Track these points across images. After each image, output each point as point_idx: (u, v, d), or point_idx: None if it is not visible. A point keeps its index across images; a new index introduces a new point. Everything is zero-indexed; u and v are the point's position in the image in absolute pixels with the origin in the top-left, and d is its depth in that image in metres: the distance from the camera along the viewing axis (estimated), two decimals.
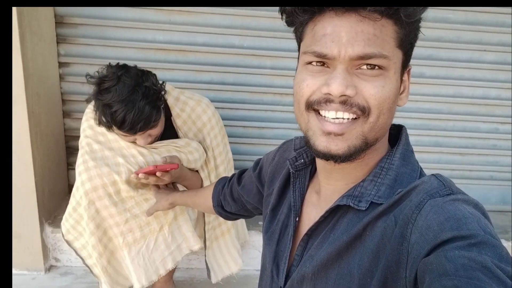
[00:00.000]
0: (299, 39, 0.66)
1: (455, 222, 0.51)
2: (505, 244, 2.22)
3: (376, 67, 0.58)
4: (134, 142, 1.53)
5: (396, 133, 0.71)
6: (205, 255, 1.78)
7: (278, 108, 2.27)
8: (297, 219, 0.76)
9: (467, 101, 2.34)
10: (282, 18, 0.66)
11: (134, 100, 1.38)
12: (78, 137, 2.19)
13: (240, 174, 1.09)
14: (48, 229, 2.03)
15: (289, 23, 0.66)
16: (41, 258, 2.01)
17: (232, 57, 2.17)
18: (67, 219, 1.61)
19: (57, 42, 2.07)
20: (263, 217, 0.90)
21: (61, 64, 2.11)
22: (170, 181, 1.52)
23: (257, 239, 2.09)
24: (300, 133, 0.71)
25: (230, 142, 1.85)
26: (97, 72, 1.45)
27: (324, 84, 0.59)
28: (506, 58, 2.27)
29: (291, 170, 0.78)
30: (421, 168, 0.67)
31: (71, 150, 2.26)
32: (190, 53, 2.15)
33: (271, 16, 2.09)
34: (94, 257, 1.54)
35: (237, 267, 1.83)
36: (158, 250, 1.57)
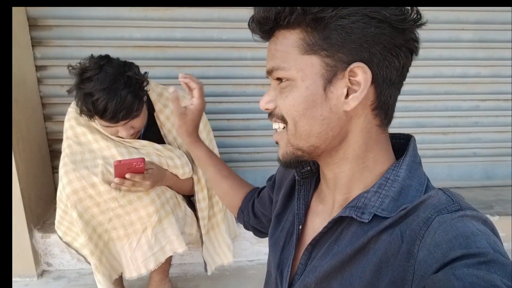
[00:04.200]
0: None
1: (464, 240, 0.50)
2: (491, 219, 2.28)
3: (284, 79, 0.62)
4: (118, 136, 1.52)
5: (406, 143, 0.70)
6: (202, 251, 1.78)
7: (260, 99, 2.25)
8: (300, 227, 0.75)
9: (447, 80, 2.36)
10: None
11: (116, 89, 1.37)
12: (61, 140, 2.17)
13: (263, 187, 1.05)
14: (38, 234, 2.01)
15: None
16: (33, 264, 2.00)
17: (212, 50, 2.16)
18: (61, 222, 1.60)
19: (32, 46, 2.03)
20: (269, 220, 0.90)
21: (38, 68, 2.08)
22: (151, 185, 1.50)
23: (248, 231, 2.10)
24: None
25: (215, 136, 1.84)
26: (79, 63, 1.44)
27: None
28: (483, 36, 2.30)
29: (296, 178, 0.78)
30: (428, 180, 0.66)
31: (55, 154, 2.24)
32: (169, 48, 2.13)
33: (249, 7, 2.08)
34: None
35: (227, 261, 1.85)
36: (141, 250, 1.56)
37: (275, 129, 0.69)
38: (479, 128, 2.50)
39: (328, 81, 0.60)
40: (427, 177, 0.66)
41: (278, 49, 0.62)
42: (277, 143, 0.69)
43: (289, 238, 0.78)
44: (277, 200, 0.87)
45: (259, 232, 1.08)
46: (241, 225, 1.14)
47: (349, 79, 0.59)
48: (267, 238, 0.89)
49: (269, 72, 0.64)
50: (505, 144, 2.54)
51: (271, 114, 0.67)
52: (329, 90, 0.60)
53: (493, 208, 2.33)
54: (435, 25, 2.21)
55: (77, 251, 1.63)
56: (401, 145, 0.70)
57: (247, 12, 2.29)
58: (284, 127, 0.66)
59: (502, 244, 0.52)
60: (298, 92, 0.61)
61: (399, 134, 0.71)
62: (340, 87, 0.60)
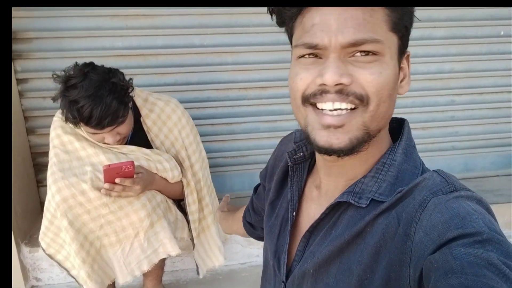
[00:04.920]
0: (290, 34, 0.64)
1: (459, 220, 0.50)
2: None
3: (370, 53, 0.56)
4: (105, 143, 1.52)
5: (398, 127, 0.69)
6: (193, 254, 1.79)
7: (244, 102, 2.29)
8: (294, 213, 0.74)
9: (423, 77, 2.44)
10: (272, 19, 0.64)
11: (101, 95, 1.37)
12: (44, 153, 2.16)
13: (258, 184, 1.04)
14: (25, 249, 1.99)
15: (280, 23, 0.64)
16: (21, 280, 1.97)
17: (194, 57, 2.18)
18: (45, 234, 1.59)
19: (13, 59, 2.02)
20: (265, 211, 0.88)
21: (19, 81, 2.06)
22: (141, 190, 1.51)
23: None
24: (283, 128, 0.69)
25: (201, 141, 1.86)
26: (64, 71, 1.44)
27: (318, 75, 0.57)
28: (455, 33, 2.38)
29: (289, 164, 0.75)
30: (423, 164, 0.66)
31: (39, 167, 2.22)
32: (151, 56, 2.15)
33: (228, 13, 2.12)
34: (77, 265, 1.52)
35: (218, 263, 1.86)
36: (133, 254, 1.57)
37: (333, 111, 0.57)
38: (455, 122, 2.58)
39: (399, 63, 0.61)
40: (422, 160, 0.67)
41: (368, 19, 0.55)
42: (334, 127, 0.58)
43: (284, 225, 0.77)
44: (269, 187, 0.86)
45: (260, 219, 1.05)
46: None
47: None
48: (258, 241, 0.89)
49: (354, 44, 0.55)
50: (482, 136, 2.63)
51: (340, 92, 0.56)
52: (397, 72, 0.61)
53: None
54: None
55: (59, 264, 1.61)
56: (394, 129, 0.69)
57: (226, 18, 2.33)
58: (352, 108, 0.57)
59: (497, 222, 0.53)
60: (389, 70, 0.57)
61: (392, 118, 0.70)
62: (400, 71, 0.62)
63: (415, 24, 2.27)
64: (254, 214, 1.04)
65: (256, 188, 1.04)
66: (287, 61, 2.21)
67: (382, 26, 0.56)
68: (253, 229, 1.07)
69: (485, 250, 0.46)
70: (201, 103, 2.26)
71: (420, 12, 2.29)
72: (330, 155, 0.60)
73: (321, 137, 0.59)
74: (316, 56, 0.58)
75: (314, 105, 0.59)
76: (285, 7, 0.60)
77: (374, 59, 0.56)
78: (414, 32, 2.26)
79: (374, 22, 0.55)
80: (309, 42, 0.57)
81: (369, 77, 0.56)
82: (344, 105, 0.57)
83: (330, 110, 0.57)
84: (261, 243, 2.18)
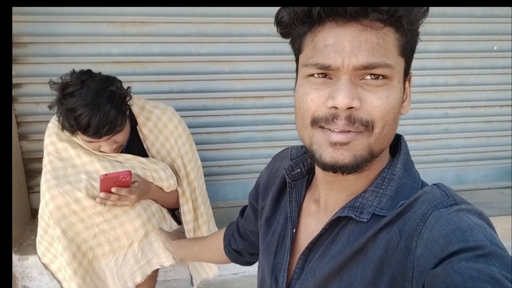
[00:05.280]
0: (298, 50, 0.64)
1: (461, 234, 0.50)
2: None
3: (380, 77, 0.57)
4: (101, 151, 1.50)
5: (395, 142, 0.70)
6: (187, 265, 1.77)
7: (240, 111, 2.28)
8: (294, 230, 0.73)
9: (417, 89, 2.46)
10: (277, 29, 0.63)
11: (99, 104, 1.35)
12: (36, 159, 2.13)
13: (244, 207, 1.04)
14: (15, 257, 1.94)
15: (284, 35, 0.64)
16: None
17: (190, 65, 2.17)
18: (40, 242, 1.56)
19: None
20: (258, 228, 0.87)
21: (13, 86, 2.03)
22: (137, 199, 1.49)
23: None
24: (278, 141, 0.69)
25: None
26: (61, 78, 1.42)
27: (329, 97, 0.57)
28: (450, 46, 2.41)
29: (287, 180, 0.75)
30: (421, 179, 0.67)
31: (30, 173, 2.18)
32: (147, 64, 2.14)
33: (226, 22, 2.11)
34: (68, 276, 1.48)
35: (212, 274, 1.84)
36: (127, 264, 1.54)
37: (340, 131, 0.58)
38: (449, 135, 2.60)
39: (404, 85, 0.62)
40: (420, 176, 0.68)
41: (381, 44, 0.56)
42: (340, 144, 0.59)
43: (281, 242, 0.76)
44: (264, 205, 0.85)
45: (253, 255, 1.05)
46: None
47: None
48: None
49: (367, 67, 0.56)
50: (474, 149, 2.66)
51: (348, 118, 0.57)
52: (402, 94, 0.62)
53: None
54: None
55: (53, 274, 1.58)
56: (391, 144, 0.70)
57: (224, 27, 2.33)
58: (358, 132, 0.58)
59: (498, 236, 0.53)
60: (396, 94, 0.59)
61: None
62: (404, 92, 0.63)
63: None
64: (241, 240, 1.02)
65: (242, 212, 1.03)
66: (284, 71, 2.24)
67: (393, 51, 0.58)
68: (240, 256, 1.06)
69: (487, 264, 0.46)
70: (196, 112, 2.24)
71: None
72: (335, 172, 0.61)
73: (328, 153, 0.60)
74: (325, 76, 0.59)
75: (322, 127, 0.60)
76: (295, 24, 0.60)
77: (384, 83, 0.57)
78: None
79: (386, 47, 0.57)
80: (322, 62, 0.57)
81: (377, 102, 0.57)
82: (351, 129, 0.58)
83: (338, 131, 0.58)
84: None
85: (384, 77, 0.57)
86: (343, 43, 0.56)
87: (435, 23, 2.34)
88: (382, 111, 0.57)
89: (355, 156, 0.59)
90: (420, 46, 2.41)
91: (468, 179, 2.73)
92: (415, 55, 2.37)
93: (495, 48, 2.46)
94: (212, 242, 1.15)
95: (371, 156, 0.60)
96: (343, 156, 0.59)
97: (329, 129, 0.59)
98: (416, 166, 2.58)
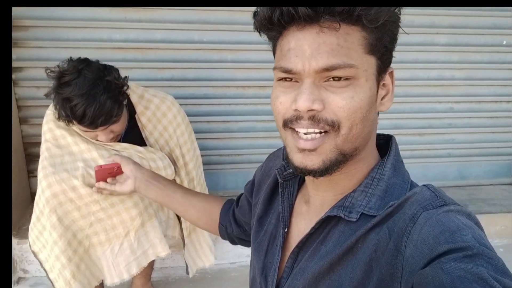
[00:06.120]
0: (273, 53, 0.66)
1: (450, 235, 0.51)
2: None
3: (344, 78, 0.57)
4: (98, 140, 1.50)
5: (385, 143, 0.70)
6: (183, 253, 1.77)
7: (241, 101, 2.27)
8: (285, 230, 0.74)
9: (422, 83, 2.43)
10: (260, 35, 0.64)
11: (95, 94, 1.33)
12: (37, 144, 2.12)
13: (241, 195, 1.03)
14: (14, 240, 1.96)
15: (268, 38, 0.65)
16: None
17: (192, 53, 2.15)
18: (32, 229, 1.56)
19: None
20: (251, 225, 0.87)
21: (13, 69, 2.02)
22: (133, 189, 1.47)
23: None
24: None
25: (196, 138, 1.84)
26: (58, 66, 1.40)
27: (293, 100, 0.59)
28: (457, 40, 2.37)
29: (279, 180, 0.75)
30: (410, 179, 0.67)
31: (31, 157, 2.19)
32: (149, 50, 2.12)
33: (230, 10, 2.09)
34: (57, 269, 1.47)
35: (209, 263, 1.85)
36: (123, 254, 1.54)
37: (306, 134, 0.59)
38: (453, 130, 2.57)
39: (378, 83, 0.61)
40: (409, 176, 0.68)
41: (342, 44, 0.55)
42: (309, 150, 0.60)
43: (273, 242, 0.76)
44: (256, 203, 0.85)
45: (245, 242, 1.04)
46: None
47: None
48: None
49: (327, 69, 0.56)
50: (478, 145, 2.63)
51: (312, 118, 0.58)
52: (378, 91, 0.62)
53: (467, 207, 2.39)
54: (411, 29, 2.27)
55: (40, 263, 1.57)
56: (380, 145, 0.70)
57: (227, 15, 2.29)
58: (324, 132, 0.59)
59: (486, 237, 0.53)
60: (363, 93, 0.58)
61: (378, 134, 0.71)
62: (380, 89, 0.63)
63: (416, 30, 2.25)
64: (237, 226, 1.01)
65: (237, 201, 1.02)
66: None
67: (358, 50, 0.57)
68: (231, 240, 1.05)
69: (475, 264, 0.47)
70: (197, 100, 2.23)
71: (423, 18, 2.27)
72: (305, 175, 0.63)
73: (297, 159, 0.61)
74: (292, 79, 0.60)
75: (292, 128, 0.61)
76: (263, 30, 0.62)
77: (347, 83, 0.57)
78: (415, 38, 2.25)
79: (348, 47, 0.56)
80: (285, 66, 0.59)
81: (341, 103, 0.57)
82: (316, 130, 0.59)
83: (304, 134, 0.59)
84: None
85: (347, 78, 0.57)
86: (303, 46, 0.57)
87: (442, 15, 2.29)
88: (347, 111, 0.57)
89: (323, 161, 0.60)
90: (426, 38, 2.36)
91: (471, 175, 2.70)
92: (422, 48, 2.33)
93: (504, 42, 2.42)
94: (205, 207, 1.08)
95: (343, 157, 0.61)
96: (312, 162, 0.60)
97: (298, 132, 0.60)
98: (418, 160, 2.56)
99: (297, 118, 0.59)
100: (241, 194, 1.02)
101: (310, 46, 0.56)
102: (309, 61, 0.56)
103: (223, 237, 1.07)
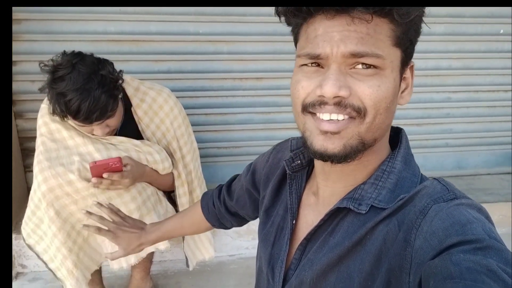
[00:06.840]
0: (295, 40, 0.65)
1: (460, 227, 0.51)
2: None
3: (371, 67, 0.57)
4: (94, 135, 1.49)
5: (394, 135, 0.70)
6: (183, 246, 1.77)
7: (239, 93, 2.25)
8: (293, 222, 0.74)
9: (420, 73, 2.41)
10: (280, 19, 0.64)
11: (89, 89, 1.32)
12: (33, 138, 2.10)
13: (229, 187, 1.03)
14: (12, 235, 1.95)
15: (287, 23, 0.65)
16: None
17: (188, 44, 2.13)
18: (27, 223, 1.55)
19: None
20: (249, 216, 0.89)
21: None
22: (131, 182, 1.47)
23: None
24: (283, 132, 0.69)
25: (193, 131, 1.83)
26: (52, 60, 1.38)
27: (318, 85, 0.58)
28: (455, 29, 2.36)
29: (287, 172, 0.76)
30: (421, 173, 0.67)
31: (26, 152, 2.17)
32: (144, 42, 2.09)
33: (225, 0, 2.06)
34: (59, 259, 1.48)
35: (208, 256, 1.85)
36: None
37: (330, 120, 0.59)
38: (450, 119, 2.57)
39: (401, 75, 0.62)
40: (419, 170, 0.68)
41: (371, 34, 0.56)
42: (331, 133, 0.59)
43: (280, 233, 0.77)
44: (264, 195, 0.85)
45: (240, 219, 1.05)
46: None
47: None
48: (248, 233, 0.87)
49: (355, 55, 0.56)
50: (476, 135, 2.63)
51: (338, 104, 0.57)
52: (397, 84, 0.62)
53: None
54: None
55: (38, 255, 1.58)
56: (391, 138, 0.70)
57: (223, 7, 2.24)
58: (347, 118, 0.58)
59: (496, 230, 0.53)
60: (389, 83, 0.58)
61: None
62: (402, 82, 0.63)
63: None
64: (233, 218, 1.04)
65: (228, 192, 1.03)
66: (284, 52, 2.19)
67: (386, 41, 0.57)
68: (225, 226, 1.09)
69: (484, 257, 0.47)
70: (194, 92, 2.21)
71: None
72: (325, 160, 0.61)
73: (318, 141, 0.60)
74: (318, 65, 0.59)
75: (313, 113, 0.61)
76: (289, 15, 0.61)
77: (374, 72, 0.57)
78: None
79: (377, 37, 0.56)
80: (312, 52, 0.58)
81: (368, 90, 0.57)
82: (341, 117, 0.58)
83: (327, 120, 0.59)
84: (252, 235, 2.17)
85: (375, 66, 0.57)
86: (332, 33, 0.56)
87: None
88: (374, 99, 0.57)
89: (345, 146, 0.59)
90: (424, 28, 2.34)
91: (468, 164, 2.70)
92: (420, 37, 2.31)
93: (501, 31, 2.40)
94: (191, 221, 1.14)
95: (362, 146, 0.60)
96: (333, 145, 0.59)
97: (319, 117, 0.59)
98: (416, 150, 2.55)
99: (321, 103, 0.59)
100: (230, 187, 1.02)
101: (339, 32, 0.56)
102: (337, 45, 0.56)
103: (212, 222, 1.10)
